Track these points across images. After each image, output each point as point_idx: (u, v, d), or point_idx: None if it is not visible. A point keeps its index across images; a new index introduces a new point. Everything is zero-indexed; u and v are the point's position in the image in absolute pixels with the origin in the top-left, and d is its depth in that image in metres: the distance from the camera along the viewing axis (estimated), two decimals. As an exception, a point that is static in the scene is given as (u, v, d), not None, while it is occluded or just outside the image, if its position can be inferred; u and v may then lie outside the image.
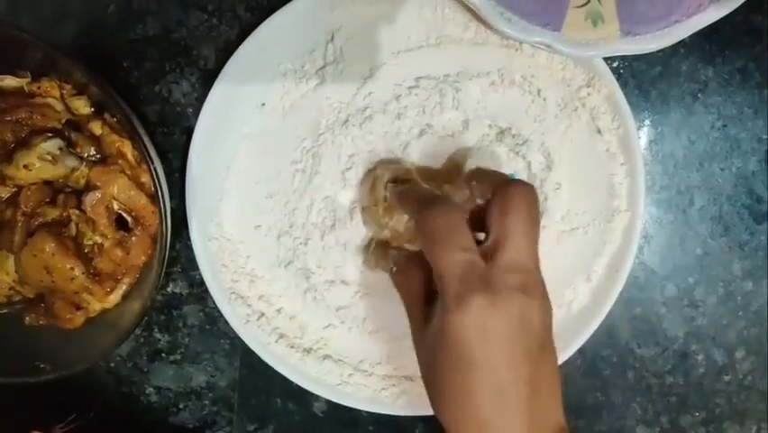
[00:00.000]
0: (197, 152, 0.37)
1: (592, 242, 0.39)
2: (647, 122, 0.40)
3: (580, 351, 0.40)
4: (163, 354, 0.42)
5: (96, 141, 0.37)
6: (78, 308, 0.38)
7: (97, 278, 0.37)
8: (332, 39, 0.37)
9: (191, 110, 0.40)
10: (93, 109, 0.37)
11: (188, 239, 0.38)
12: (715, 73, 0.40)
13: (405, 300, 0.35)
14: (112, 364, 0.43)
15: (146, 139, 0.34)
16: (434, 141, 0.38)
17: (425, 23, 0.37)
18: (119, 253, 0.37)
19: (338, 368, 0.40)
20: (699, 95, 0.40)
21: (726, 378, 0.42)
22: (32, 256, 0.35)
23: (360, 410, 0.40)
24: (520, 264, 0.29)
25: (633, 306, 0.42)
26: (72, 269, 0.35)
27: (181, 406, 0.43)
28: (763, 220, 0.41)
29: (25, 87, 0.37)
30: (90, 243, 0.36)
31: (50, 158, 0.35)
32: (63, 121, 0.37)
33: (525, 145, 0.38)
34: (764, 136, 0.40)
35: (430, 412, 0.39)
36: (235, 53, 0.36)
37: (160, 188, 0.33)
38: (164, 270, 0.34)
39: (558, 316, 0.39)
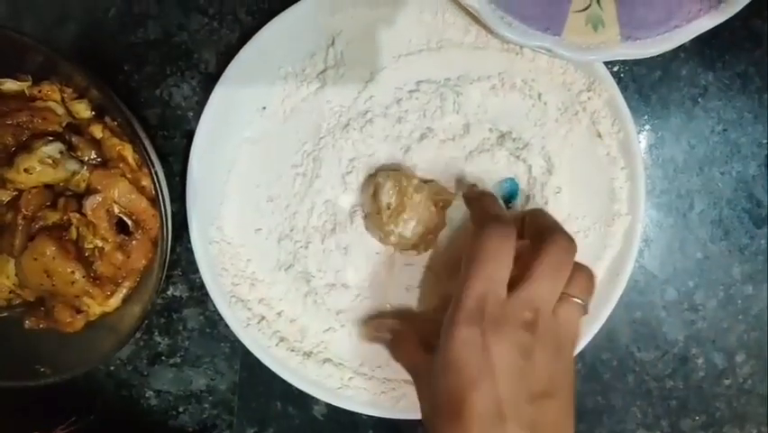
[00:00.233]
0: (198, 156, 0.37)
1: (593, 246, 0.39)
2: (647, 126, 0.40)
3: (581, 355, 0.40)
4: (163, 358, 0.42)
5: (96, 144, 0.37)
6: (79, 311, 0.38)
7: (98, 281, 0.37)
8: (333, 43, 0.37)
9: (192, 113, 0.40)
10: (94, 113, 0.37)
11: (189, 242, 0.38)
12: (715, 78, 0.40)
13: (406, 361, 0.36)
14: (112, 368, 0.43)
15: (147, 142, 0.34)
16: (435, 144, 0.38)
17: (425, 27, 0.37)
18: (119, 256, 0.37)
19: (338, 371, 0.40)
20: (700, 99, 0.40)
21: (727, 382, 0.42)
22: (33, 260, 0.35)
23: (360, 414, 0.40)
24: (537, 303, 0.31)
25: (633, 309, 0.42)
26: (72, 272, 0.35)
27: (181, 409, 0.43)
28: (763, 224, 0.41)
29: (26, 91, 0.37)
30: (91, 246, 0.36)
31: (50, 161, 0.35)
32: (64, 124, 0.37)
33: (526, 149, 0.38)
34: (764, 141, 0.40)
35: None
36: (236, 57, 0.37)
37: (161, 191, 0.33)
38: (165, 273, 0.34)
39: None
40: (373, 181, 0.37)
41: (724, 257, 0.41)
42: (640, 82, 0.40)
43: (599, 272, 0.39)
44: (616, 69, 0.39)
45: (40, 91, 0.36)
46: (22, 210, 0.36)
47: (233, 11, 0.39)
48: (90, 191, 0.36)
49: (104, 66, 0.39)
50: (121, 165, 0.36)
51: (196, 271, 0.39)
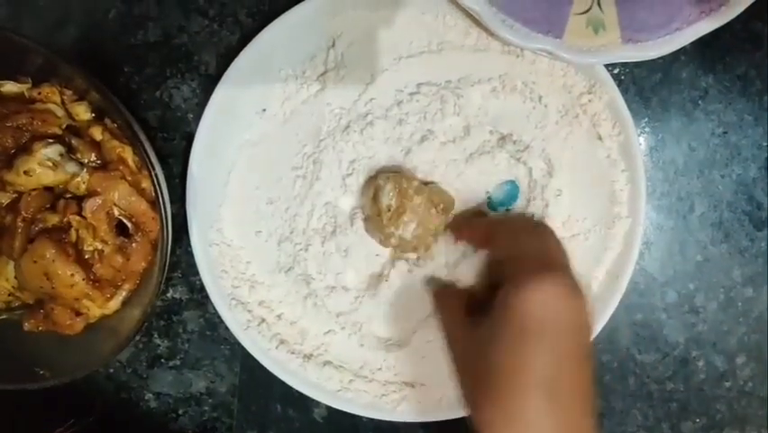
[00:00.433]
0: (198, 158, 0.37)
1: (593, 248, 0.39)
2: (648, 128, 0.40)
3: (581, 357, 0.39)
4: (163, 360, 0.42)
5: (96, 146, 0.37)
6: (78, 314, 0.37)
7: (97, 284, 0.37)
8: (333, 45, 0.37)
9: (192, 115, 0.40)
10: (93, 115, 0.37)
11: (189, 245, 0.38)
12: (715, 80, 0.40)
13: (446, 314, 0.36)
14: (111, 370, 0.43)
15: (147, 144, 0.34)
16: (436, 147, 0.38)
17: (426, 30, 0.37)
18: (119, 259, 0.37)
19: (338, 374, 0.39)
20: (700, 102, 0.40)
21: (727, 384, 0.42)
22: (32, 262, 0.35)
23: (360, 417, 0.40)
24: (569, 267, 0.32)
25: (633, 312, 0.42)
26: (72, 275, 0.35)
27: (181, 412, 0.43)
28: (763, 227, 0.41)
29: (26, 93, 0.37)
30: (90, 249, 0.36)
31: (50, 164, 0.35)
32: (64, 126, 0.37)
33: (527, 152, 0.38)
34: (765, 143, 0.40)
35: (430, 419, 0.39)
36: (236, 59, 0.37)
37: (161, 193, 0.33)
38: (164, 276, 0.34)
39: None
40: (373, 183, 0.37)
41: (724, 260, 0.41)
42: (640, 85, 0.40)
43: (600, 275, 0.39)
44: (616, 71, 0.39)
45: (39, 93, 0.36)
46: (22, 212, 0.36)
47: (233, 13, 0.39)
48: (90, 194, 0.36)
49: (104, 68, 0.39)
50: (121, 167, 0.36)
51: (196, 273, 0.39)
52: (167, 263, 0.34)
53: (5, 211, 0.37)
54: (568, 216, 0.38)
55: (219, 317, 0.39)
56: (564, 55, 0.33)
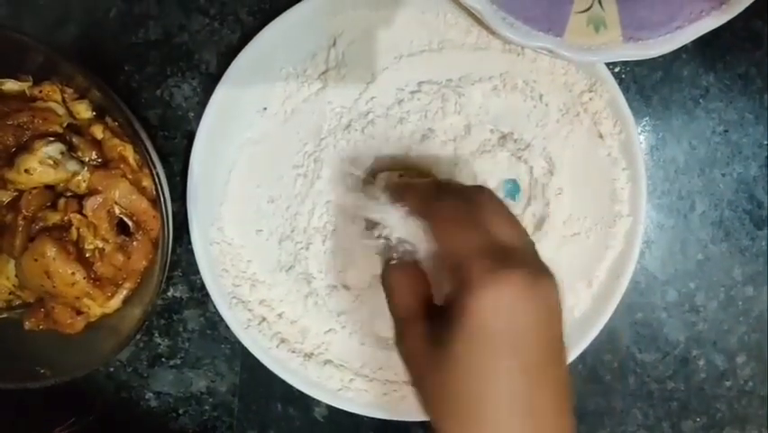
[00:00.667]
0: (199, 157, 0.37)
1: (594, 247, 0.39)
2: (649, 127, 0.40)
3: (582, 356, 0.39)
4: (163, 359, 0.42)
5: (97, 145, 0.37)
6: (79, 312, 0.37)
7: (98, 282, 0.37)
8: (334, 43, 0.37)
9: (192, 114, 0.40)
10: (94, 113, 0.37)
11: (189, 243, 0.38)
12: (716, 79, 0.40)
13: (396, 302, 0.30)
14: (111, 369, 0.43)
15: (148, 143, 0.34)
16: (437, 145, 0.38)
17: (427, 28, 0.37)
18: (120, 257, 0.37)
19: (339, 373, 0.39)
20: (701, 100, 0.40)
21: (728, 383, 0.42)
22: (33, 261, 0.35)
23: (361, 416, 0.40)
24: (529, 246, 0.27)
25: (634, 311, 0.42)
26: (73, 273, 0.35)
27: (181, 411, 0.43)
28: (763, 225, 0.41)
29: (27, 91, 0.37)
30: (91, 247, 0.36)
31: (51, 162, 0.35)
32: (64, 125, 0.37)
33: (527, 150, 0.38)
34: (765, 142, 0.40)
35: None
36: (237, 57, 0.36)
37: (162, 192, 0.33)
38: (165, 274, 0.34)
39: (560, 321, 0.39)
40: (374, 182, 0.37)
41: (725, 258, 0.41)
42: (641, 83, 0.40)
43: (601, 273, 0.39)
44: (617, 70, 0.39)
45: (40, 91, 0.36)
46: (23, 211, 0.36)
47: (234, 11, 0.39)
48: (91, 192, 0.36)
49: (104, 66, 0.39)
50: (122, 166, 0.36)
51: (197, 272, 0.38)
52: (167, 262, 0.34)
53: (6, 209, 0.37)
54: (569, 214, 0.38)
55: (219, 315, 0.39)
56: (565, 53, 0.33)
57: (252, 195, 0.39)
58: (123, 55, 0.39)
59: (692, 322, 0.42)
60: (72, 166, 0.36)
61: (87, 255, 0.36)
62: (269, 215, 0.39)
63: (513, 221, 0.28)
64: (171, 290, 0.41)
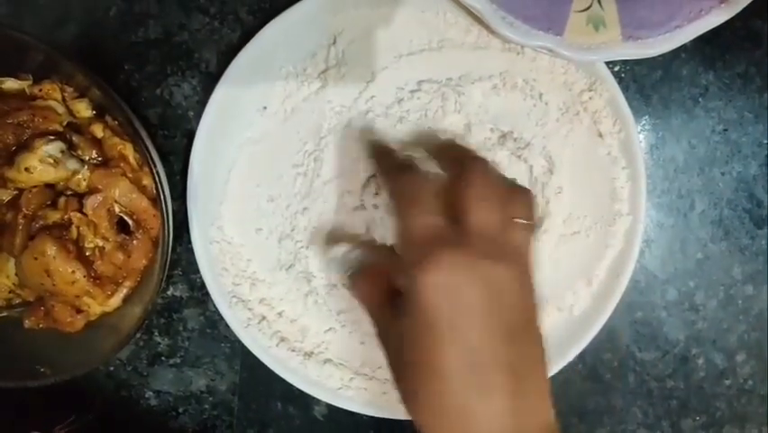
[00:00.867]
0: (199, 156, 0.37)
1: (593, 246, 0.39)
2: (648, 126, 0.40)
3: (581, 355, 0.39)
4: (163, 358, 0.42)
5: (97, 143, 0.37)
6: (79, 311, 0.37)
7: (98, 281, 0.37)
8: (334, 42, 0.37)
9: (193, 113, 0.40)
10: (94, 112, 0.37)
11: (189, 242, 0.38)
12: (716, 77, 0.40)
13: (367, 303, 0.32)
14: (111, 368, 0.43)
15: (148, 142, 0.34)
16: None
17: (426, 27, 0.37)
18: (120, 256, 0.37)
19: (339, 372, 0.39)
20: (700, 99, 0.40)
21: (727, 382, 0.42)
22: (33, 259, 0.35)
23: (361, 415, 0.40)
24: (485, 231, 0.28)
25: (634, 310, 0.42)
26: (73, 272, 0.35)
27: (181, 410, 0.43)
28: (763, 224, 0.41)
29: (27, 90, 0.36)
30: (91, 246, 0.36)
31: (51, 161, 0.35)
32: (65, 124, 0.37)
33: (527, 149, 0.38)
34: (765, 140, 0.40)
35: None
36: (237, 56, 0.36)
37: (162, 191, 0.33)
38: (165, 273, 0.34)
39: (559, 320, 0.39)
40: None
41: (724, 257, 0.41)
42: (641, 82, 0.40)
43: (601, 272, 0.39)
44: (617, 68, 0.39)
45: (40, 90, 0.36)
46: (23, 209, 0.36)
47: (234, 10, 0.39)
48: (91, 191, 0.36)
49: (104, 65, 0.39)
50: (122, 164, 0.36)
51: (197, 271, 0.39)
52: (167, 261, 0.34)
53: (6, 208, 0.37)
54: (568, 213, 0.38)
55: (219, 314, 0.39)
56: (565, 52, 0.33)
57: (252, 194, 0.39)
58: (123, 54, 0.39)
59: (692, 321, 0.42)
60: (72, 165, 0.36)
61: (87, 254, 0.36)
62: (268, 214, 0.39)
63: (490, 205, 0.29)
64: (171, 288, 0.41)
